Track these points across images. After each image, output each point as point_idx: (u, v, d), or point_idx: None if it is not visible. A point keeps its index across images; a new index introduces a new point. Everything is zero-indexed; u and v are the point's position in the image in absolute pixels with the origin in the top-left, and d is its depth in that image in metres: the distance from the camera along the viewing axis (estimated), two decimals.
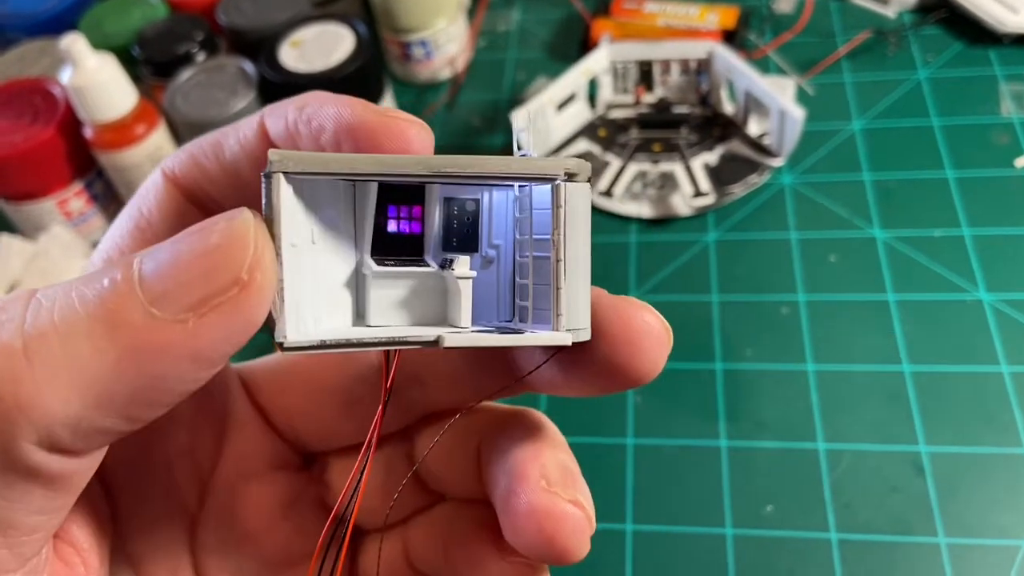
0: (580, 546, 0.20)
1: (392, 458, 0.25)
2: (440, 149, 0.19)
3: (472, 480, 0.23)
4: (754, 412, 0.47)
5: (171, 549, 0.23)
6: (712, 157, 0.59)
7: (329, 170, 0.17)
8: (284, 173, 0.17)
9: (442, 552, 0.24)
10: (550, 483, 0.20)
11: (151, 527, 0.23)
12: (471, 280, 0.20)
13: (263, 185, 0.17)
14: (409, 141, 0.18)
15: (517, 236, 0.21)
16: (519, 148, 0.20)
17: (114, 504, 0.23)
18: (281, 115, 0.19)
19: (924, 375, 0.47)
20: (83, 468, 0.17)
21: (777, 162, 0.57)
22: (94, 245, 0.62)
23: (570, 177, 0.19)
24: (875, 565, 0.41)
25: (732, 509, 0.44)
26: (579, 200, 0.19)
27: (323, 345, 0.17)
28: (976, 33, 0.64)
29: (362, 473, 0.21)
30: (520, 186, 0.20)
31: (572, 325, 0.19)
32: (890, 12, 0.67)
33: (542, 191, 0.20)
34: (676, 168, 0.59)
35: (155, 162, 0.58)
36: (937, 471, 0.44)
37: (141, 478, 0.23)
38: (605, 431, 0.48)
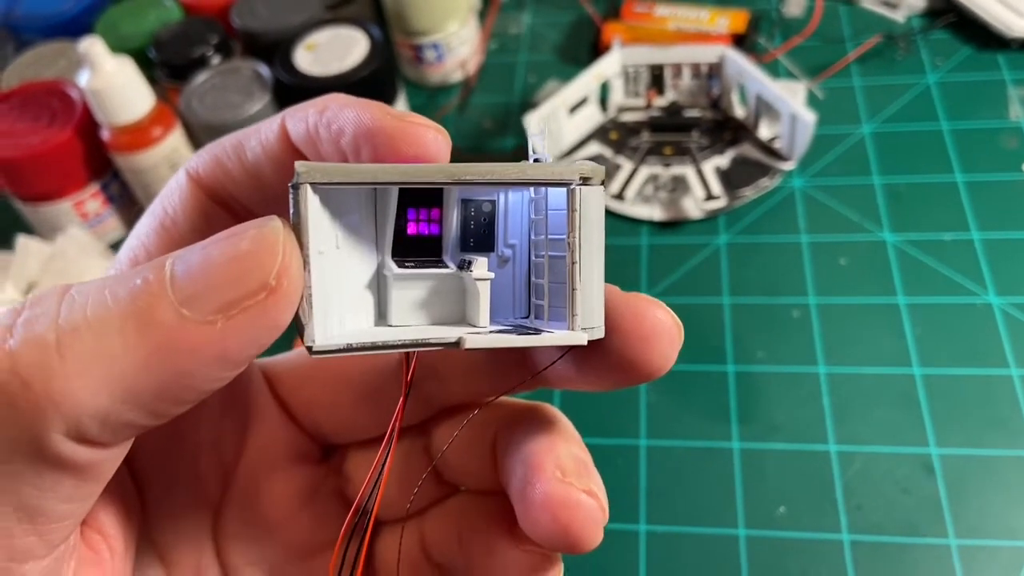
0: (594, 535, 0.20)
1: (410, 450, 0.25)
2: (452, 152, 0.20)
3: (488, 472, 0.24)
4: (766, 414, 0.48)
5: (195, 537, 0.24)
6: (723, 160, 0.59)
7: (353, 180, 0.18)
8: (311, 184, 0.18)
9: (457, 542, 0.24)
10: (565, 474, 0.21)
11: (177, 516, 0.24)
12: (489, 282, 0.21)
13: (291, 195, 0.18)
14: (426, 145, 0.19)
15: (533, 237, 0.21)
16: (534, 152, 0.21)
17: (142, 493, 0.23)
18: (302, 118, 0.20)
19: (934, 378, 0.48)
20: (110, 459, 0.18)
21: (788, 165, 0.58)
22: (110, 246, 0.62)
23: (585, 181, 0.19)
24: (887, 566, 0.42)
25: (745, 510, 0.44)
26: (593, 203, 0.19)
27: (350, 348, 0.18)
28: (984, 38, 0.64)
29: (383, 467, 0.21)
30: (536, 188, 0.21)
31: (587, 324, 0.19)
32: (899, 16, 0.68)
33: (557, 193, 0.20)
34: (687, 171, 0.59)
35: (171, 164, 0.59)
36: (948, 473, 0.44)
37: (168, 468, 0.24)
38: (618, 432, 0.48)
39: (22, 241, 0.58)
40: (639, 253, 0.57)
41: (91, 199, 0.60)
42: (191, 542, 0.24)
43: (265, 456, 0.25)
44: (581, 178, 0.19)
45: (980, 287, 0.51)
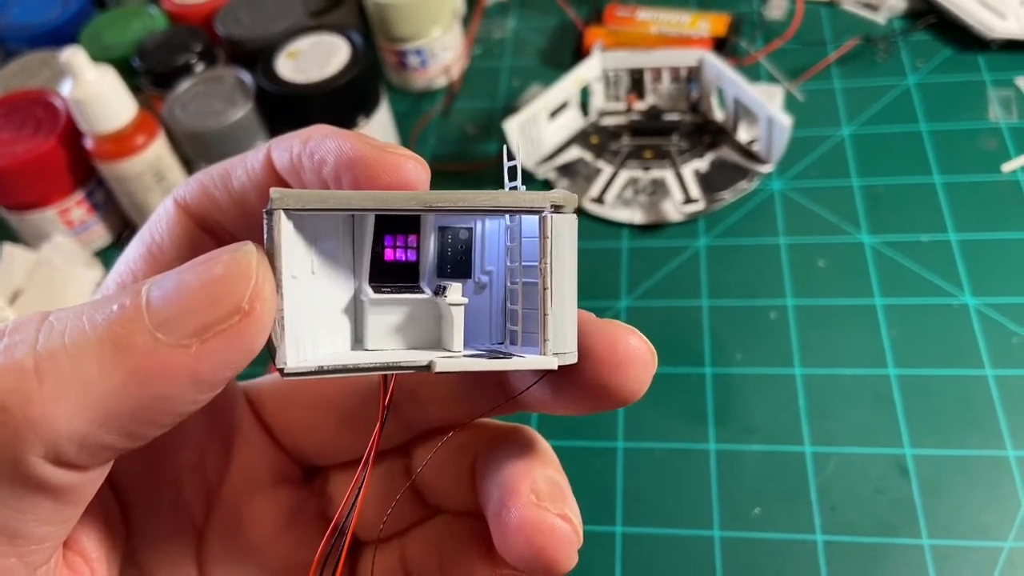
0: (568, 558, 0.21)
1: (391, 472, 0.26)
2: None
3: (467, 494, 0.24)
4: (743, 416, 0.48)
5: (179, 561, 0.24)
6: (702, 164, 0.60)
7: (327, 206, 0.18)
8: (285, 210, 0.18)
9: (437, 563, 0.25)
10: (540, 498, 0.21)
11: (160, 539, 0.24)
12: (463, 307, 0.21)
13: (265, 221, 0.18)
14: (405, 175, 0.19)
15: (508, 263, 0.22)
16: (510, 180, 0.21)
17: (127, 517, 0.23)
18: (286, 148, 0.20)
19: (910, 378, 0.48)
20: (89, 481, 0.18)
21: (766, 168, 0.58)
22: (96, 253, 0.63)
23: (556, 209, 0.20)
24: (860, 566, 0.42)
25: (720, 511, 0.45)
26: (565, 230, 0.20)
27: (321, 371, 0.18)
28: (965, 39, 0.65)
29: (360, 489, 0.21)
30: (511, 216, 0.21)
31: (558, 349, 0.20)
32: (880, 18, 0.68)
33: (531, 220, 0.21)
34: (667, 175, 0.59)
35: (155, 172, 0.59)
36: (922, 473, 0.44)
37: (152, 492, 0.24)
38: (596, 435, 0.49)
39: (7, 249, 0.58)
40: (619, 256, 0.57)
41: (76, 207, 0.61)
42: (175, 565, 0.24)
43: (248, 479, 0.26)
44: (553, 206, 0.20)
45: (956, 288, 0.51)
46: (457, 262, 0.22)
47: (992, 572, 0.41)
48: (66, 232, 0.61)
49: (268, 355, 0.18)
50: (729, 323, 0.52)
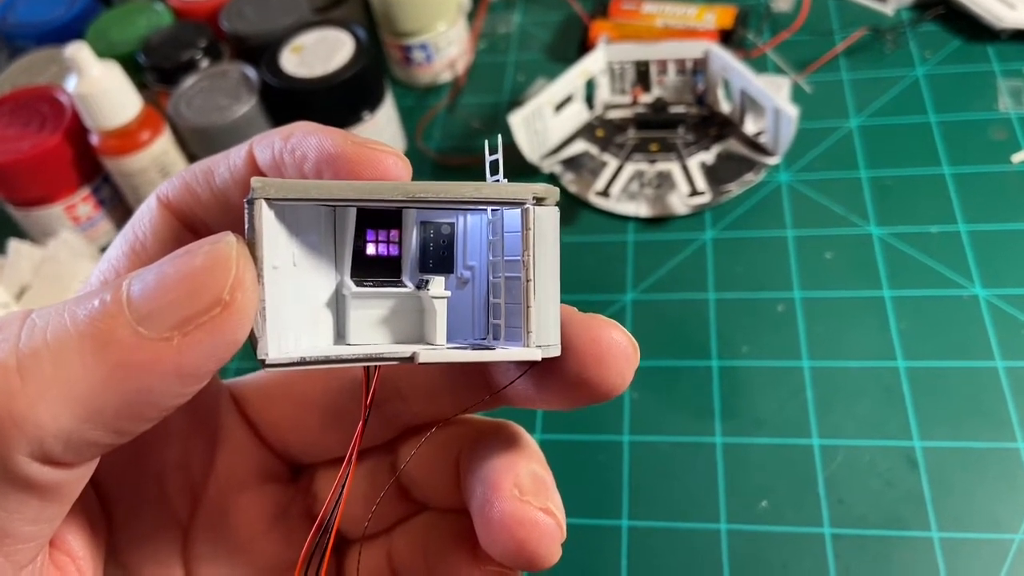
0: (550, 552, 0.21)
1: (376, 469, 0.26)
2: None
3: (452, 490, 0.24)
4: (750, 409, 0.48)
5: (164, 559, 0.24)
6: (709, 156, 0.59)
7: (308, 196, 0.18)
8: (266, 199, 0.18)
9: (423, 560, 0.25)
10: (522, 492, 0.21)
11: (144, 537, 0.24)
12: (445, 300, 0.21)
13: (246, 210, 0.18)
14: (386, 170, 0.19)
15: (490, 258, 0.22)
16: (492, 173, 0.21)
17: (109, 515, 0.23)
18: (268, 144, 0.20)
19: (919, 370, 0.47)
20: (75, 479, 0.18)
21: (773, 160, 0.58)
22: (102, 249, 0.63)
23: (539, 201, 0.20)
24: (869, 559, 0.42)
25: (727, 505, 0.44)
26: (548, 223, 0.20)
27: (303, 362, 0.18)
28: (974, 29, 0.64)
29: (344, 485, 0.21)
30: (493, 210, 0.21)
31: (542, 341, 0.20)
32: (888, 9, 0.68)
33: (513, 215, 0.20)
34: (673, 167, 0.59)
35: (160, 167, 0.59)
36: (931, 466, 0.44)
37: (135, 490, 0.24)
38: (602, 428, 0.48)
39: (14, 245, 0.58)
40: (625, 250, 0.57)
41: (82, 203, 0.61)
42: (160, 563, 0.24)
43: (234, 476, 0.26)
44: (535, 198, 0.20)
45: (966, 279, 0.51)
46: (439, 257, 0.22)
47: (1002, 564, 0.41)
48: (72, 228, 0.61)
49: (251, 347, 0.18)
50: (736, 316, 0.52)
